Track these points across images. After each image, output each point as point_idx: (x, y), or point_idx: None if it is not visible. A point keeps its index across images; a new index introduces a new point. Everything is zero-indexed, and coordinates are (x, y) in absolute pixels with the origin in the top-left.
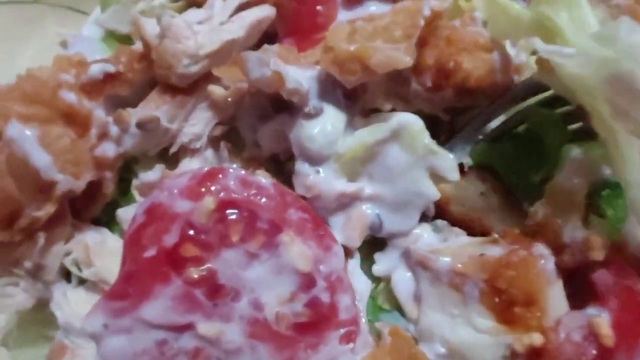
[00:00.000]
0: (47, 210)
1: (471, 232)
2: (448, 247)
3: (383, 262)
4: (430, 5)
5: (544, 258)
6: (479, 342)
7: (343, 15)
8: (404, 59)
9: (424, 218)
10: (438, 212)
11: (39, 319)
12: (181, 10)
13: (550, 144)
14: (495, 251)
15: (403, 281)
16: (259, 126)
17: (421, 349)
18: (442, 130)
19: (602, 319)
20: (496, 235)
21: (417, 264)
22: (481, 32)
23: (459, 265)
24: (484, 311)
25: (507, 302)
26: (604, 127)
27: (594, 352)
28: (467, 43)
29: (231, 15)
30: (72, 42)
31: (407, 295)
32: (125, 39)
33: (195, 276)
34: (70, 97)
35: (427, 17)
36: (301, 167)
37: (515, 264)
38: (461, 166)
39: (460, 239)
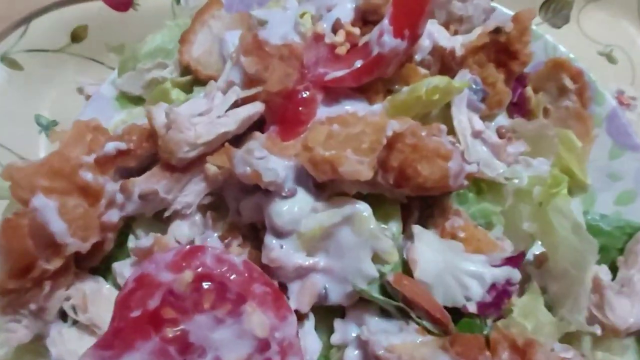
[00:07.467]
0: (55, 264)
1: None
2: (404, 344)
3: (340, 332)
4: (393, 128)
5: None
6: None
7: (323, 112)
8: (367, 173)
9: None
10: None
11: (31, 349)
12: (187, 85)
13: None
14: None
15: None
16: (242, 198)
17: None
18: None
19: None
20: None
21: (373, 357)
22: (443, 142)
23: None
24: None
25: None
26: None
27: None
28: (429, 151)
29: (227, 110)
30: (93, 98)
31: None
32: (135, 100)
33: (170, 335)
34: (88, 176)
35: (389, 137)
36: (268, 240)
37: None
38: None
39: (414, 336)
